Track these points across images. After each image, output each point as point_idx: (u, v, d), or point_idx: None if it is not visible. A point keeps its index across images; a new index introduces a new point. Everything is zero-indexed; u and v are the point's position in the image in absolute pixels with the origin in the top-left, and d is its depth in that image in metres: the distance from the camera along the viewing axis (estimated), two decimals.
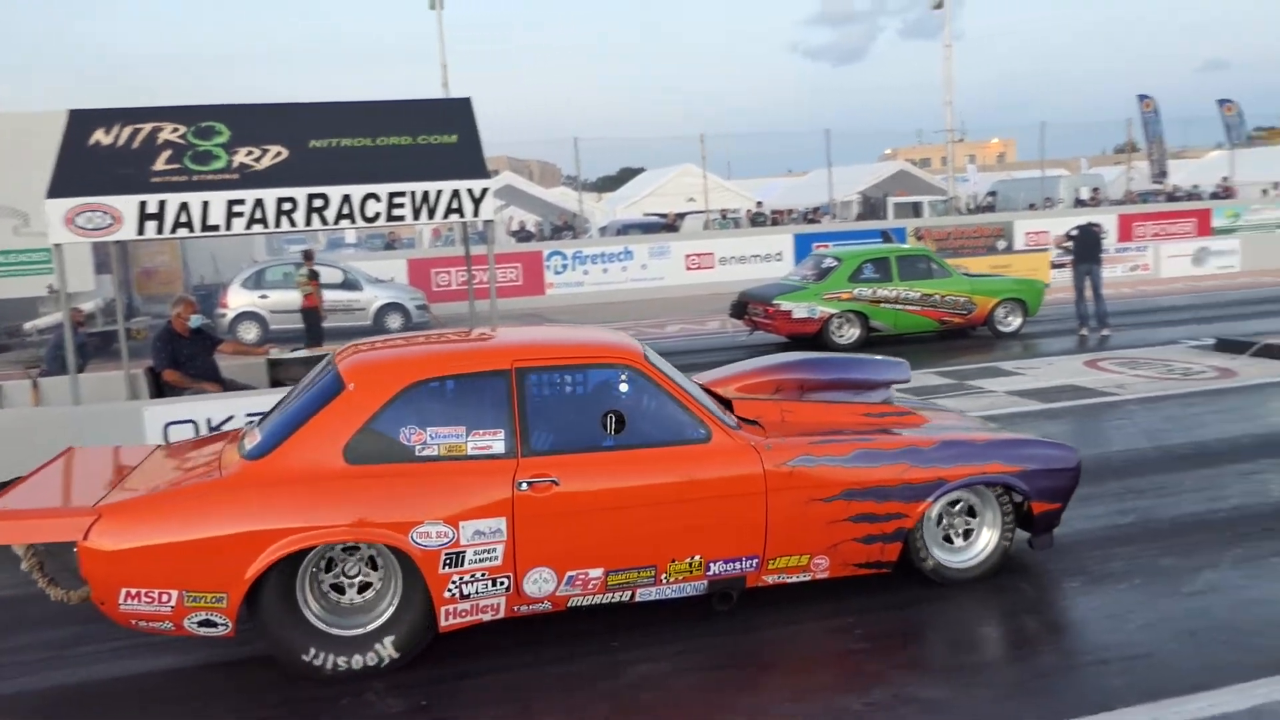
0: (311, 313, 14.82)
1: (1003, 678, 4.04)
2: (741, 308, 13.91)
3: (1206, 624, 4.33)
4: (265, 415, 4.77)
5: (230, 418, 7.23)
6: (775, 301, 13.13)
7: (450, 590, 4.18)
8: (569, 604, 4.41)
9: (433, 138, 8.47)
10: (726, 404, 4.99)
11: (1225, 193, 31.75)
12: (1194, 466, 6.70)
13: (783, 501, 4.50)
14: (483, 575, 4.20)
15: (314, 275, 14.96)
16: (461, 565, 4.16)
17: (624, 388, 4.54)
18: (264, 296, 17.30)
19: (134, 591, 3.97)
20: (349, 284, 17.92)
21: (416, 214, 8.08)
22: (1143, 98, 33.10)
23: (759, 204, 32.98)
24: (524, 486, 4.20)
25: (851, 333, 13.14)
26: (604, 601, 4.44)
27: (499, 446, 4.24)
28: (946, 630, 4.51)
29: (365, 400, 4.24)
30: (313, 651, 4.14)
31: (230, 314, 17.16)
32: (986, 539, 4.93)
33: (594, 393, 4.60)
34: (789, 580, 4.69)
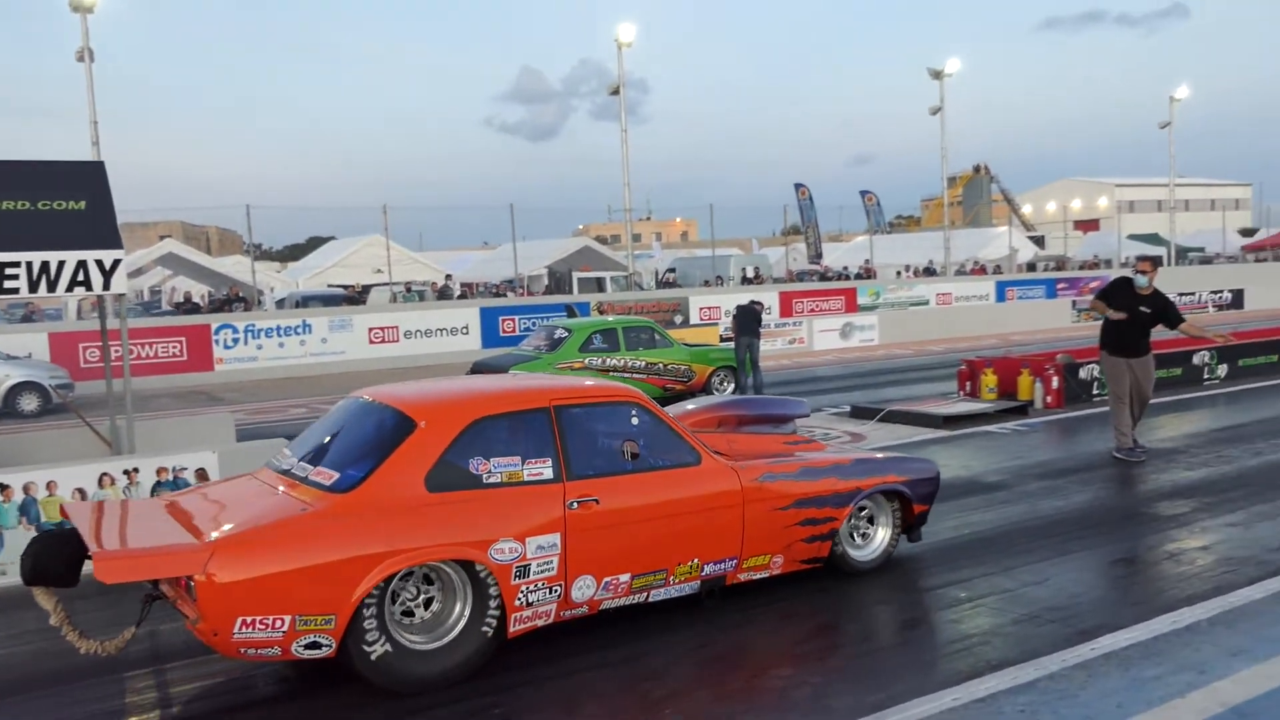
0: None
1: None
2: (479, 372, 13.97)
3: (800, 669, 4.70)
4: (303, 455, 5.01)
5: None
6: (511, 372, 13.23)
7: (519, 599, 4.74)
8: (601, 607, 5.06)
9: (56, 203, 7.71)
10: None
11: (868, 274, 35.59)
12: None
13: (754, 511, 5.44)
14: (543, 584, 4.80)
15: None
16: (528, 576, 4.74)
17: (635, 421, 5.32)
18: None
19: (249, 620, 4.17)
20: None
21: (34, 286, 7.30)
22: (798, 186, 36.61)
23: (447, 277, 32.93)
24: (574, 505, 4.88)
25: None
26: (628, 603, 5.15)
27: (548, 472, 4.90)
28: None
29: (438, 435, 4.76)
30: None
31: None
32: (882, 536, 6.11)
33: (614, 425, 5.30)
34: (755, 577, 5.59)
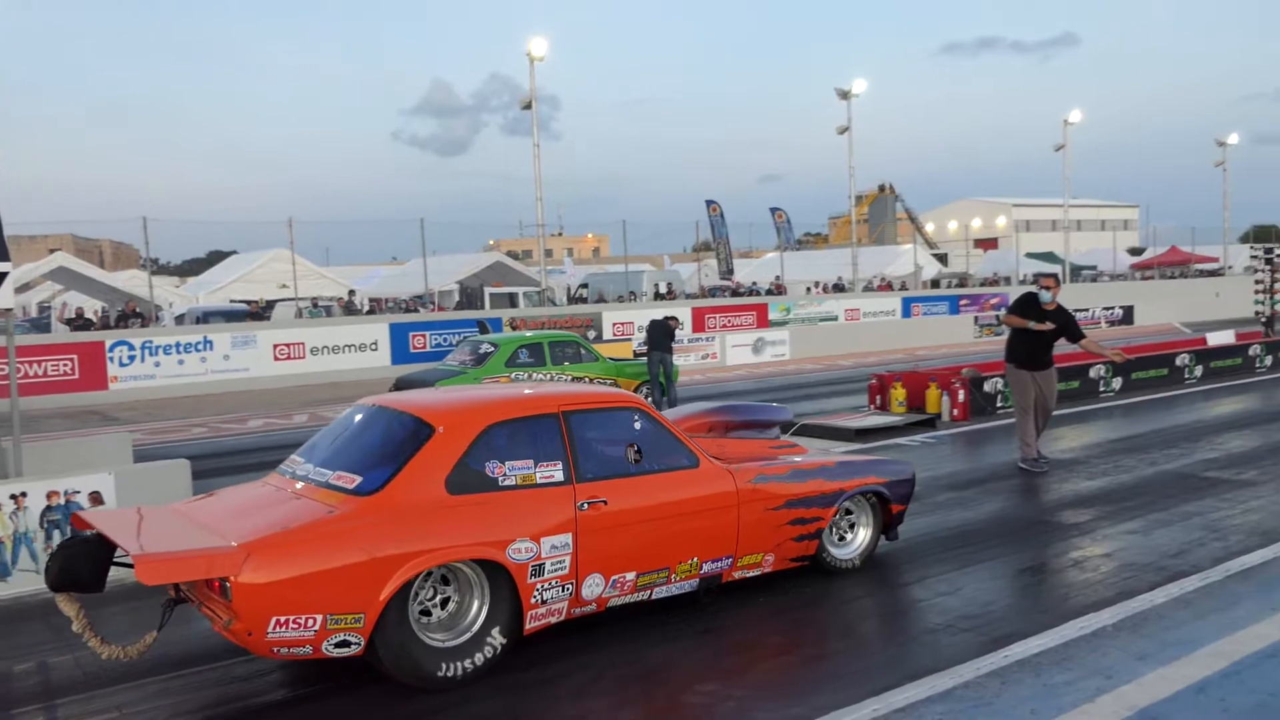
0: None
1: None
2: (403, 389, 13.74)
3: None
4: (319, 462, 5.11)
5: None
6: (436, 386, 13.03)
7: (535, 597, 4.90)
8: (609, 604, 5.24)
9: None
10: None
11: (778, 290, 36.10)
12: None
13: (749, 511, 5.68)
14: (556, 583, 4.96)
15: None
16: (543, 575, 4.91)
17: (638, 426, 5.52)
18: None
19: (283, 619, 4.27)
20: None
21: None
22: (709, 203, 36.91)
23: (350, 292, 32.29)
24: (584, 506, 5.07)
25: None
26: (632, 601, 5.33)
27: (559, 475, 5.07)
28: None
29: (456, 440, 4.91)
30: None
31: None
32: (863, 535, 6.38)
33: (618, 430, 5.49)
34: (748, 575, 5.83)
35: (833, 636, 5.46)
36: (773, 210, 41.41)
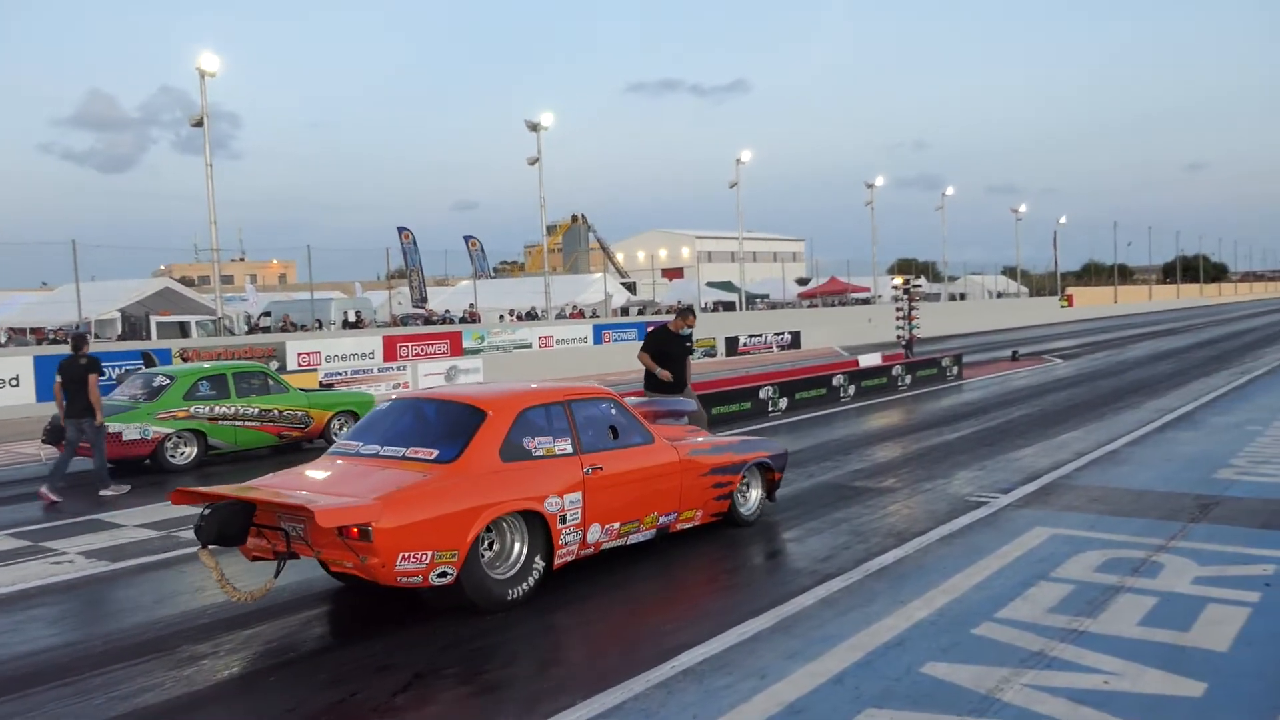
0: None
1: None
2: (58, 433, 12.00)
3: None
4: (384, 442, 6.43)
5: None
6: (104, 422, 11.53)
7: (561, 540, 6.33)
8: (602, 548, 6.71)
9: None
10: None
11: (472, 317, 36.01)
12: None
13: (687, 477, 7.35)
14: (573, 529, 6.41)
15: None
16: (566, 523, 6.36)
17: (613, 412, 7.15)
18: None
19: (407, 555, 5.54)
20: None
21: None
22: (401, 229, 36.23)
23: None
24: (589, 471, 6.56)
25: (189, 451, 12.34)
26: (617, 545, 6.83)
27: (569, 448, 6.58)
28: None
29: (502, 421, 6.34)
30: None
31: None
32: (755, 496, 8.21)
33: (601, 415, 7.04)
34: (685, 527, 7.48)
35: (501, 660, 5.46)
36: (467, 238, 41.20)
